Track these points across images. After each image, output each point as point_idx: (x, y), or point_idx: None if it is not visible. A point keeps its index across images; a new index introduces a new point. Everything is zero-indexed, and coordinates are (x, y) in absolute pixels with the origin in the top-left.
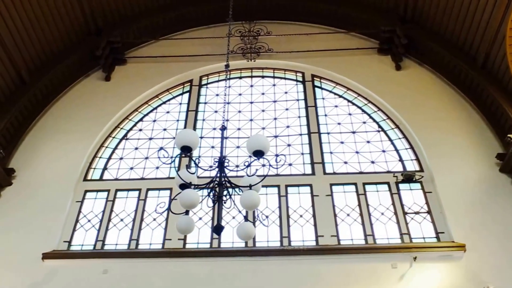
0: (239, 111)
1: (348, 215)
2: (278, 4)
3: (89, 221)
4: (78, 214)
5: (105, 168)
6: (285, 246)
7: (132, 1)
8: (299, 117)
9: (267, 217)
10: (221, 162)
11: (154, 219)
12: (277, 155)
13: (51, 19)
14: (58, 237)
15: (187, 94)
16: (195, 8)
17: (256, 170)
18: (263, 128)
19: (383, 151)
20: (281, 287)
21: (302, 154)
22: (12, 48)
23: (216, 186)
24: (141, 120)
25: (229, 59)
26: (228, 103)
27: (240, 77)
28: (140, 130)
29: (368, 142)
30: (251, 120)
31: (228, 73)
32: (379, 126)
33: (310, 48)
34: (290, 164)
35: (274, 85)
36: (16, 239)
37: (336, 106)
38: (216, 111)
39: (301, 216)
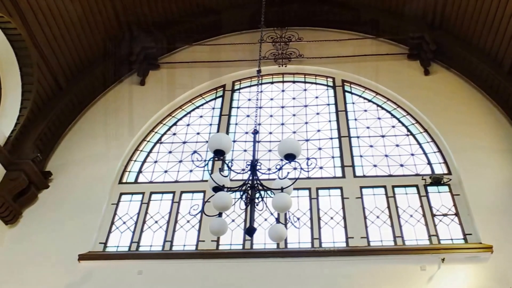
0: (271, 116)
1: (377, 217)
2: (309, 11)
3: (124, 223)
4: (114, 216)
5: (140, 171)
6: (316, 247)
7: (166, 9)
8: (329, 121)
9: (298, 219)
10: (253, 165)
11: (188, 221)
12: (308, 159)
13: (86, 26)
14: (94, 239)
15: (220, 98)
16: (227, 15)
17: (288, 173)
18: (294, 132)
19: (412, 154)
20: (312, 287)
21: (333, 157)
22: (49, 55)
23: (249, 188)
24: (175, 124)
25: (261, 65)
26: (260, 107)
27: (272, 82)
28: (174, 134)
29: (397, 145)
30: (282, 124)
31: (260, 78)
32: (408, 130)
33: (341, 54)
34: (321, 167)
35: (305, 90)
36: (53, 241)
37: (365, 111)
38: (248, 116)
39: (331, 218)
